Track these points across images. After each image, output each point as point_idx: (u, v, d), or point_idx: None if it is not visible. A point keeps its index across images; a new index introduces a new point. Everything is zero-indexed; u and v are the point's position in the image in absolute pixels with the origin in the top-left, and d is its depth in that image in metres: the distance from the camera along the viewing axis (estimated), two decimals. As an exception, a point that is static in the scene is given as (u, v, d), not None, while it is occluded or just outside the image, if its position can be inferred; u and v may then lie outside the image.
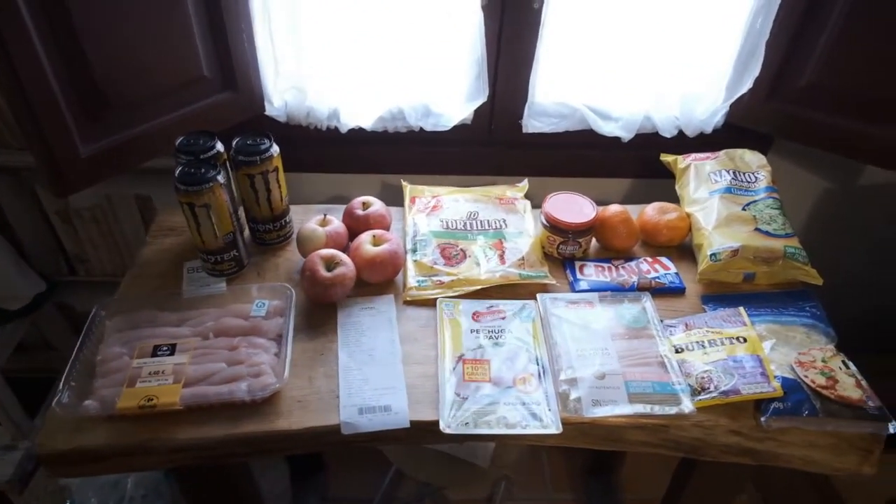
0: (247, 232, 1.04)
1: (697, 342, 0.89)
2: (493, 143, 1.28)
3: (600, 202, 1.06)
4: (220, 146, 0.94)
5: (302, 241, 0.97)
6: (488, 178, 1.31)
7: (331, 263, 0.92)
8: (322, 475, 1.54)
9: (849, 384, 0.82)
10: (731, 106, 1.20)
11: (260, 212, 0.98)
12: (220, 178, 0.87)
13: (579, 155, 1.30)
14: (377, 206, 1.04)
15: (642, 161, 1.26)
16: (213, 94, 1.07)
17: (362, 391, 0.83)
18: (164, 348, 0.84)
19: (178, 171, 0.87)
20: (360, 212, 1.02)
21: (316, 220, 0.99)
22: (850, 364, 0.85)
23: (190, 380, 0.80)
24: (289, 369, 0.82)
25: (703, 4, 1.10)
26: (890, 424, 0.78)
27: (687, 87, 1.17)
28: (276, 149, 0.94)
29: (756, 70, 1.11)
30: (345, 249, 0.97)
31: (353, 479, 1.54)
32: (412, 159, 1.28)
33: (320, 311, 0.93)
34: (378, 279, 0.97)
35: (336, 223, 1.00)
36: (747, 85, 1.14)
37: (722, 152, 1.13)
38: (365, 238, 0.96)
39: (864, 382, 0.82)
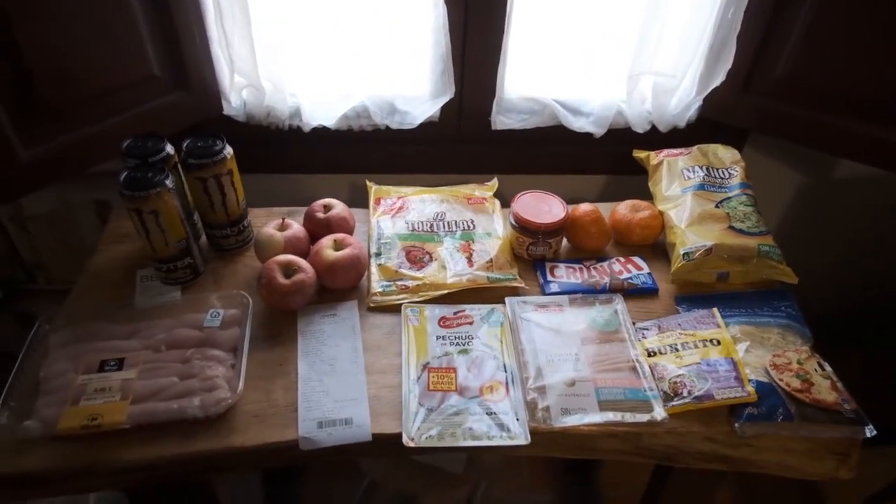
0: (203, 238, 1.00)
1: (671, 345, 0.86)
2: (462, 141, 1.24)
3: (573, 200, 1.03)
4: (169, 149, 0.90)
5: (259, 246, 0.93)
6: (458, 176, 1.27)
7: (289, 270, 0.87)
8: (296, 485, 1.50)
9: (824, 387, 0.79)
10: (704, 100, 1.17)
11: (215, 217, 0.94)
12: (169, 183, 0.83)
13: (551, 151, 1.26)
14: (339, 208, 0.99)
15: (616, 157, 1.23)
16: (165, 95, 1.01)
17: (322, 404, 0.79)
18: (112, 363, 0.79)
19: (123, 176, 0.82)
20: (320, 215, 0.98)
21: (274, 225, 0.95)
22: (826, 366, 0.83)
23: (138, 396, 0.76)
24: (243, 382, 0.78)
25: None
26: (866, 428, 0.76)
27: (658, 80, 1.14)
28: (229, 150, 0.90)
29: (728, 62, 1.08)
30: (305, 255, 0.93)
31: (328, 489, 1.50)
32: (379, 159, 1.24)
33: (279, 319, 0.89)
34: (340, 285, 0.93)
35: (296, 227, 0.95)
36: (720, 78, 1.11)
37: (695, 148, 1.10)
38: (325, 242, 0.92)
39: (839, 385, 0.80)
